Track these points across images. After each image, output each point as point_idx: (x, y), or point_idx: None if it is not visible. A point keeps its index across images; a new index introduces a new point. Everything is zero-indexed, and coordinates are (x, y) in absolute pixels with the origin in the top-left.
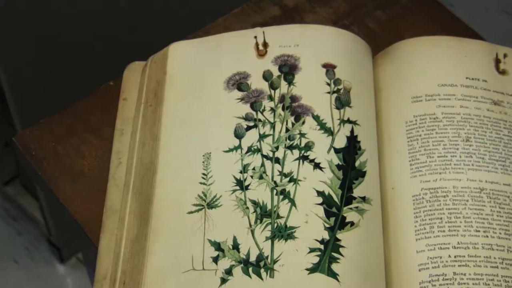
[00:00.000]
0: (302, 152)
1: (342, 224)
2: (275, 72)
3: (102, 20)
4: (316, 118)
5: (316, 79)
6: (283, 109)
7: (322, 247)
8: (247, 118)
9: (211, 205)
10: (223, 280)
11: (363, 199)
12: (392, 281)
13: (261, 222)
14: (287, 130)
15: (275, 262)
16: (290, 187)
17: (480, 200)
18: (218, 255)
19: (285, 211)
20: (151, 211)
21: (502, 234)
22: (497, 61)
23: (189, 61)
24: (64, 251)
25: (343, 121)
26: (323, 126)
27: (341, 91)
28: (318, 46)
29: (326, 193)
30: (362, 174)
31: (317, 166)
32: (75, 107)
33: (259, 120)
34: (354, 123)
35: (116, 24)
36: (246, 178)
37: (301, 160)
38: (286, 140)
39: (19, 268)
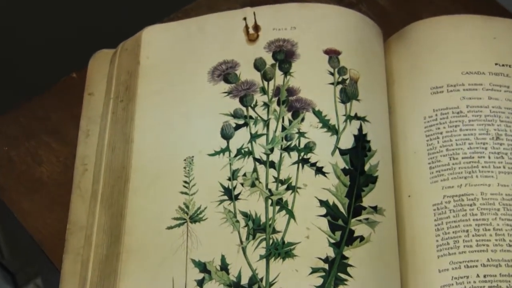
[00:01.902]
0: (302, 154)
1: (349, 239)
2: (269, 60)
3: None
4: (318, 114)
5: (317, 67)
6: (278, 103)
7: (326, 266)
8: (236, 115)
9: (194, 219)
10: None
11: (375, 209)
12: None
13: (254, 238)
14: (283, 128)
15: (271, 285)
16: (287, 196)
17: None
18: (203, 278)
19: (282, 225)
20: (124, 226)
21: None
22: None
23: (166, 49)
24: (20, 276)
25: (349, 117)
26: (326, 124)
27: (347, 81)
28: (319, 29)
29: (331, 202)
30: (373, 179)
31: (319, 170)
32: (31, 104)
33: (250, 117)
34: (362, 119)
35: (79, 5)
36: (235, 186)
37: (300, 164)
38: (282, 140)
39: None
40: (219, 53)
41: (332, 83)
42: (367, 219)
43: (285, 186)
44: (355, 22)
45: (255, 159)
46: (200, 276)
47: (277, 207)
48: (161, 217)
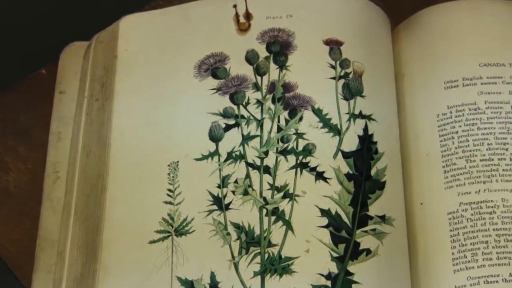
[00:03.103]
0: (300, 158)
1: (354, 252)
2: (262, 52)
3: None
4: (318, 112)
5: (317, 60)
6: (273, 101)
7: (328, 283)
8: (225, 114)
9: (180, 231)
10: None
11: (382, 218)
12: None
13: (247, 253)
14: (279, 129)
15: None
16: (284, 205)
17: None
18: None
19: (278, 237)
20: (100, 241)
21: None
22: None
23: (147, 41)
24: None
25: (353, 116)
26: (327, 123)
27: (350, 75)
28: (318, 17)
29: (333, 211)
30: (380, 185)
31: (320, 176)
32: None
33: (242, 116)
34: (368, 118)
35: None
36: (226, 194)
37: (298, 169)
38: (278, 142)
39: None
40: (206, 45)
41: (334, 78)
42: (374, 230)
43: (281, 194)
44: (359, 8)
45: (248, 164)
46: None
47: (273, 218)
48: (142, 230)
